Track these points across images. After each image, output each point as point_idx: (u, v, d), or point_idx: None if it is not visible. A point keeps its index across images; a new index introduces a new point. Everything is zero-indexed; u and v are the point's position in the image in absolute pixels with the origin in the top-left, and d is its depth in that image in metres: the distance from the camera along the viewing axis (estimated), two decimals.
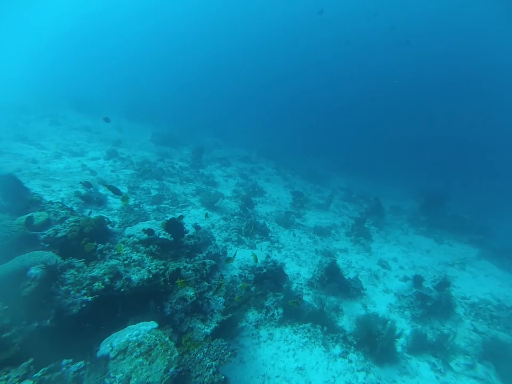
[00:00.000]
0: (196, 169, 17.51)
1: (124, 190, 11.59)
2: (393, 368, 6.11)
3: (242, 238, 10.31)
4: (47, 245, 4.83)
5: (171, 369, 3.48)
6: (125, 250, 5.26)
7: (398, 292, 9.07)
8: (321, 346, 6.23)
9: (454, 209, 18.87)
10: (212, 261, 6.57)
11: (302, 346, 6.16)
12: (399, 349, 6.55)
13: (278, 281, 7.72)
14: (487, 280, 11.33)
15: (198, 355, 4.17)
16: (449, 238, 15.68)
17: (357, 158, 35.47)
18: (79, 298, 4.00)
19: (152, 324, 3.89)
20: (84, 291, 4.07)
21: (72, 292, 4.02)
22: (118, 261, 4.89)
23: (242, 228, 10.67)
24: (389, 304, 8.54)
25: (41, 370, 3.41)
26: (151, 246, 5.60)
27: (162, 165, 16.20)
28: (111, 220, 7.46)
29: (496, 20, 43.63)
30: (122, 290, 4.37)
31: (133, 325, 3.88)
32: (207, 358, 4.12)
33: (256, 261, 6.97)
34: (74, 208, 8.64)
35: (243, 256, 8.92)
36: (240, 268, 8.18)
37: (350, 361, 6.01)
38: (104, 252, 5.06)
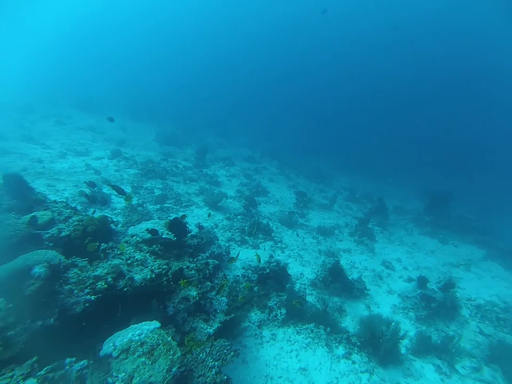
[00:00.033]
0: (199, 168, 17.54)
1: (128, 189, 11.63)
2: (397, 369, 6.06)
3: (246, 238, 10.29)
4: (51, 244, 4.85)
5: (173, 369, 3.47)
6: (128, 250, 5.27)
7: (402, 293, 8.99)
8: (325, 347, 6.19)
9: (459, 210, 18.71)
10: (215, 260, 6.56)
11: (305, 346, 6.13)
12: (403, 350, 6.50)
13: (281, 282, 7.69)
14: (493, 281, 11.20)
15: (201, 355, 4.17)
16: (454, 239, 15.54)
17: (361, 158, 35.27)
18: (82, 297, 4.01)
19: (155, 324, 3.90)
20: (87, 290, 4.08)
21: (75, 291, 4.04)
22: (121, 261, 4.90)
23: (246, 227, 10.66)
24: (393, 305, 8.48)
25: (44, 369, 3.42)
26: (154, 246, 5.61)
27: (165, 165, 16.25)
28: (114, 219, 7.49)
29: (498, 20, 43.24)
30: (125, 289, 4.38)
31: (136, 325, 3.88)
32: (209, 358, 4.11)
33: (259, 261, 6.97)
34: (78, 207, 8.70)
35: (246, 256, 8.92)
36: (243, 268, 8.17)
37: (354, 362, 5.97)
38: (107, 251, 5.08)
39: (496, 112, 57.27)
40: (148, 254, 5.39)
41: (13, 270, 3.79)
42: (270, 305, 6.92)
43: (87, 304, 3.98)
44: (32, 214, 5.12)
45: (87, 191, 9.84)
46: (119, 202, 10.14)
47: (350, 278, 8.79)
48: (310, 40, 73.05)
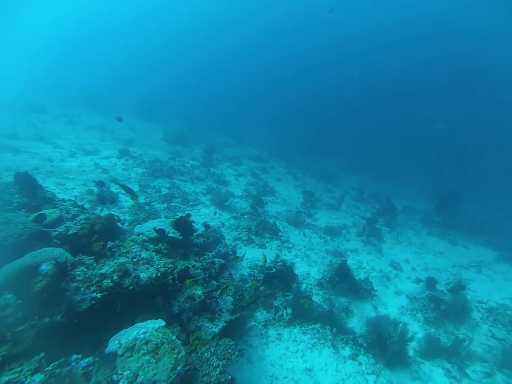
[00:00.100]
0: (206, 168, 17.60)
1: (135, 188, 11.74)
2: (404, 372, 5.96)
3: (252, 237, 10.28)
4: (59, 242, 4.92)
5: (178, 368, 3.48)
6: (134, 248, 5.31)
7: (410, 294, 8.85)
8: (331, 347, 6.13)
9: (469, 210, 18.34)
10: (220, 260, 6.56)
11: (311, 347, 6.08)
12: (411, 352, 6.39)
13: (287, 281, 7.65)
14: (506, 284, 10.93)
15: (205, 354, 4.17)
16: (464, 240, 15.24)
17: (369, 157, 34.89)
18: (89, 295, 4.05)
19: (160, 322, 3.91)
20: (93, 288, 4.12)
21: (82, 288, 4.08)
22: (127, 259, 4.94)
23: (252, 227, 10.64)
24: (401, 306, 8.35)
25: (51, 365, 3.46)
26: (160, 244, 5.64)
27: (173, 164, 16.35)
28: (122, 218, 7.57)
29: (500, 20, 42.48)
30: (131, 288, 4.41)
31: (141, 323, 3.90)
32: (214, 358, 4.11)
33: (265, 261, 6.94)
34: (87, 206, 8.82)
35: (253, 256, 8.90)
36: (249, 267, 8.16)
37: (360, 364, 5.89)
38: (113, 249, 5.12)
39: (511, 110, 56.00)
40: (154, 253, 5.41)
41: (21, 267, 3.86)
42: (276, 304, 6.89)
43: (93, 302, 4.02)
44: (40, 212, 5.20)
45: (96, 189, 9.97)
46: (126, 201, 10.24)
47: (357, 278, 8.69)
48: (317, 39, 72.56)
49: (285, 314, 6.71)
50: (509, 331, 7.73)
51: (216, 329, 4.86)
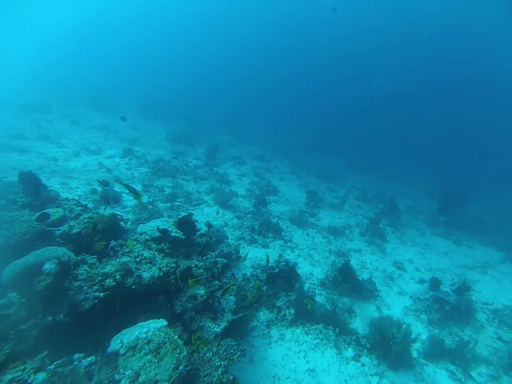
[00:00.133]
0: (210, 167, 17.61)
1: (139, 187, 11.78)
2: (408, 374, 5.91)
3: (255, 236, 10.26)
4: (62, 241, 4.94)
5: (180, 368, 3.47)
6: (136, 248, 5.32)
7: (413, 295, 8.78)
8: (333, 348, 6.10)
9: (474, 210, 18.15)
10: (223, 259, 6.54)
11: (313, 347, 6.05)
12: (414, 354, 6.33)
13: (290, 281, 7.62)
14: None
15: (207, 354, 4.16)
16: (469, 240, 15.09)
17: (373, 157, 34.67)
18: (91, 294, 4.06)
19: (162, 322, 3.91)
20: (96, 287, 4.13)
21: (84, 287, 4.09)
22: (129, 258, 4.95)
23: (256, 226, 10.63)
24: (404, 307, 8.28)
25: (54, 363, 3.48)
26: (162, 244, 5.64)
27: (176, 163, 16.38)
28: (125, 217, 7.59)
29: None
30: (133, 287, 4.41)
31: (143, 322, 3.91)
32: (216, 358, 4.10)
33: (268, 261, 6.92)
34: (90, 205, 8.86)
35: (255, 255, 8.88)
36: (252, 267, 8.14)
37: (363, 365, 5.85)
38: (116, 248, 5.14)
39: None
40: (157, 252, 5.42)
41: (24, 266, 3.88)
42: (278, 305, 6.87)
43: (95, 301, 4.03)
44: (42, 211, 5.22)
45: (99, 189, 10.01)
46: (130, 200, 10.28)
47: (360, 278, 8.65)
48: (320, 38, 72.42)
49: (288, 315, 6.69)
50: None
51: (218, 329, 4.86)
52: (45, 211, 5.18)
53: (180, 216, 6.97)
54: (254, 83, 72.02)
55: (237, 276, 7.06)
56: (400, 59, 64.33)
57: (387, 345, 6.06)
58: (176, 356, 3.50)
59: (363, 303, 8.07)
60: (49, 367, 3.46)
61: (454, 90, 61.22)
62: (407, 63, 64.56)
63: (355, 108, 65.08)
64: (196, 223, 7.27)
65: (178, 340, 3.70)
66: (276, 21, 73.24)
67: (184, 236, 6.26)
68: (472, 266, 11.82)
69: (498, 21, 43.63)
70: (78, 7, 66.07)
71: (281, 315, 6.67)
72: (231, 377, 3.95)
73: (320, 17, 64.08)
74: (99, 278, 4.25)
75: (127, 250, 5.14)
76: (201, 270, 5.71)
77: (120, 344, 3.57)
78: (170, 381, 3.27)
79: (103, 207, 8.71)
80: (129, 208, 9.74)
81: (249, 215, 11.60)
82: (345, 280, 8.14)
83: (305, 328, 6.50)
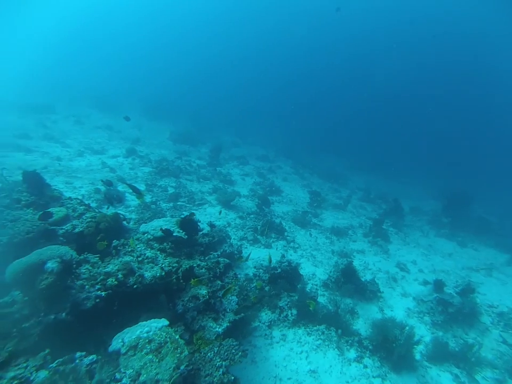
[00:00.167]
0: (213, 167, 17.63)
1: (142, 187, 11.82)
2: (411, 376, 5.85)
3: (258, 237, 10.25)
4: (65, 240, 4.97)
5: (181, 367, 3.47)
6: (139, 247, 5.33)
7: (417, 296, 8.71)
8: (335, 349, 6.06)
9: (479, 211, 17.96)
10: (225, 259, 6.54)
11: (315, 348, 6.02)
12: (417, 356, 6.27)
13: (292, 282, 7.60)
14: None
15: (209, 354, 4.15)
16: (474, 242, 14.94)
17: (376, 158, 34.49)
18: (93, 293, 4.07)
19: (163, 321, 3.91)
20: (98, 286, 4.15)
21: (86, 286, 4.11)
22: (132, 258, 4.96)
23: (258, 227, 10.61)
24: (407, 308, 8.22)
25: (56, 361, 3.49)
26: (164, 244, 5.65)
27: (179, 163, 16.42)
28: (128, 217, 7.62)
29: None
30: (135, 286, 4.42)
31: (144, 322, 3.91)
32: (217, 358, 4.09)
33: (270, 262, 6.90)
34: (94, 204, 8.90)
35: (258, 256, 8.87)
36: (254, 267, 8.13)
37: (365, 367, 5.81)
38: (118, 248, 5.15)
39: None
40: (159, 252, 5.43)
41: (27, 264, 3.90)
42: (280, 305, 6.85)
43: (97, 300, 4.04)
44: (46, 210, 5.26)
45: (103, 188, 10.06)
46: (133, 200, 10.31)
47: (363, 279, 8.59)
48: (324, 38, 72.25)
49: (290, 315, 6.66)
50: None
51: (220, 329, 4.85)
52: (48, 210, 5.21)
53: (183, 216, 6.98)
54: (257, 83, 72.12)
55: (239, 276, 7.04)
56: (401, 59, 64.10)
57: (390, 347, 6.00)
58: (177, 355, 3.50)
59: (366, 304, 8.02)
60: (51, 365, 3.48)
61: (457, 90, 60.85)
62: (409, 63, 64.33)
63: (358, 108, 64.91)
64: (199, 223, 7.27)
65: (179, 339, 3.70)
66: (280, 20, 73.16)
67: (186, 236, 6.27)
68: (477, 268, 11.70)
69: (498, 21, 43.34)
70: (80, 6, 66.36)
71: (283, 315, 6.65)
72: (232, 377, 3.94)
73: (324, 18, 63.90)
74: (101, 277, 4.26)
75: (130, 249, 5.15)
76: (203, 270, 5.71)
77: (122, 343, 3.58)
78: (171, 381, 3.27)
79: (106, 207, 8.74)
80: (133, 208, 9.77)
81: (252, 215, 11.58)
82: (348, 281, 8.09)
83: (307, 329, 6.46)
